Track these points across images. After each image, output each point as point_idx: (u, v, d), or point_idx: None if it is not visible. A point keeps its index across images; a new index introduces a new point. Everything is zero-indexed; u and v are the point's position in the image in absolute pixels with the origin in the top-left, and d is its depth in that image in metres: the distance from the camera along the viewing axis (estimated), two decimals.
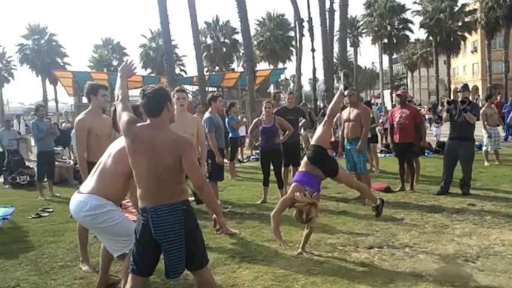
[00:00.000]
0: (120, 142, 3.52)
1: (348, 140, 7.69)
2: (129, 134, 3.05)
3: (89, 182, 3.62)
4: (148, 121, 3.08)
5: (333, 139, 11.88)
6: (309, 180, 4.73)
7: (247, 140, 14.62)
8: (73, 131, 12.35)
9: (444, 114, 8.15)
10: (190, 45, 25.28)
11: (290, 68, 44.48)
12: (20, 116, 21.37)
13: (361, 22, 56.13)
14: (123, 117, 3.17)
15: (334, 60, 30.89)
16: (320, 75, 28.13)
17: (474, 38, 51.41)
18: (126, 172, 3.30)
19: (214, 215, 3.19)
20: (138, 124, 3.09)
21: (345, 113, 7.78)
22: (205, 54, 45.00)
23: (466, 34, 47.40)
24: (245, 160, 14.08)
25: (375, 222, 5.94)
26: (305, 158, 4.93)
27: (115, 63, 48.67)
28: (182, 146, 2.99)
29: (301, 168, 4.91)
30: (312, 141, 5.19)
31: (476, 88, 51.68)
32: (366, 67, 75.33)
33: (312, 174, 4.77)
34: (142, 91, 3.08)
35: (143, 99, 3.05)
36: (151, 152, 2.96)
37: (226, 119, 10.92)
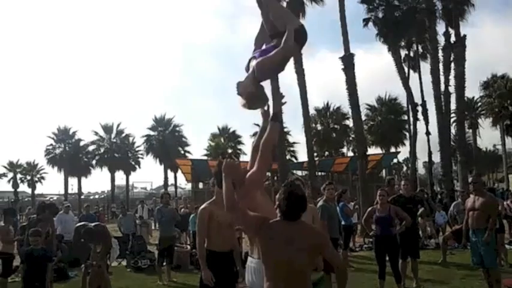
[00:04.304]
0: None
1: (473, 230, 7.11)
2: (263, 231, 3.07)
3: None
4: (279, 218, 3.09)
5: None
6: None
7: (359, 227, 14.16)
8: (191, 216, 13.05)
9: None
10: (300, 131, 26.23)
11: (402, 151, 43.52)
12: (143, 201, 22.95)
13: (479, 103, 53.61)
14: (249, 214, 3.17)
15: (452, 143, 29.55)
16: (436, 158, 26.97)
17: None
18: None
19: None
20: (272, 221, 3.11)
21: (469, 201, 7.27)
22: (315, 139, 45.65)
23: None
24: (357, 249, 13.55)
25: None
26: None
27: (230, 150, 51.11)
28: (319, 237, 3.09)
29: None
30: None
31: None
32: (487, 149, 70.59)
33: None
34: (287, 191, 3.06)
35: (287, 200, 3.03)
36: (290, 247, 2.95)
37: (338, 206, 10.75)
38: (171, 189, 51.61)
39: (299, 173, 32.81)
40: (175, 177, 53.04)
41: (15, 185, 53.42)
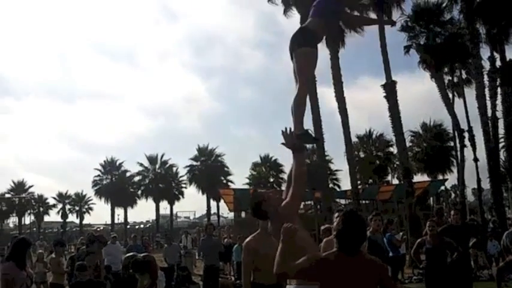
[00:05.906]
0: None
1: None
2: (322, 272, 2.88)
3: None
4: (335, 249, 2.95)
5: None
6: None
7: (407, 258, 13.73)
8: (235, 246, 13.05)
9: None
10: (343, 159, 25.83)
11: (450, 178, 41.91)
12: (187, 232, 23.20)
13: None
14: (300, 265, 2.95)
15: (501, 169, 28.47)
16: (485, 185, 26.00)
17: None
18: None
19: None
20: (327, 255, 2.98)
21: None
22: (357, 167, 44.99)
23: None
24: (406, 281, 13.12)
25: None
26: None
27: (271, 179, 51.09)
28: (379, 267, 3.00)
29: None
30: None
31: None
32: None
33: None
34: (346, 220, 2.91)
35: (347, 229, 2.88)
36: (353, 282, 2.86)
37: (385, 237, 10.50)
38: (213, 218, 51.87)
39: (342, 201, 32.31)
40: (218, 207, 53.28)
41: (64, 216, 55.18)
